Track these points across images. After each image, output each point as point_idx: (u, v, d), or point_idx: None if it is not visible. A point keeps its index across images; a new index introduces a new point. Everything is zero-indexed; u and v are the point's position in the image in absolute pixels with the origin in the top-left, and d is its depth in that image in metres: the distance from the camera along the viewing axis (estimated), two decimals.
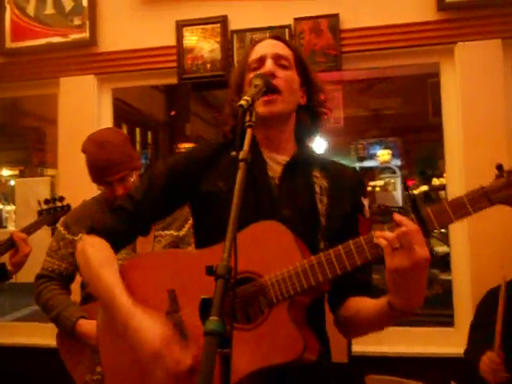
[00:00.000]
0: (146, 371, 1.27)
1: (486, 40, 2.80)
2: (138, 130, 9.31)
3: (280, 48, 1.49)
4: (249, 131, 1.22)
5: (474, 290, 2.61)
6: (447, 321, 3.49)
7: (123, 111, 7.72)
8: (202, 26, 3.16)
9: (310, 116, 1.54)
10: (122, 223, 1.50)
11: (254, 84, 1.34)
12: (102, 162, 2.12)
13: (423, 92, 8.01)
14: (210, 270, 1.01)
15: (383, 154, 10.76)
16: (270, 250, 1.13)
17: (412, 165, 12.06)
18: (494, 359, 2.09)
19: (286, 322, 1.24)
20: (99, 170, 2.14)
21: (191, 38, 3.19)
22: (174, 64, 3.16)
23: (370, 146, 11.46)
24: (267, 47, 1.49)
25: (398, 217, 1.16)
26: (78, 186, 2.83)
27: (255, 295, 1.27)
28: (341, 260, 1.23)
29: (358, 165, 13.00)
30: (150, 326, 1.28)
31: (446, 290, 5.12)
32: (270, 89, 1.38)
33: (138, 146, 9.01)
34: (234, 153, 1.18)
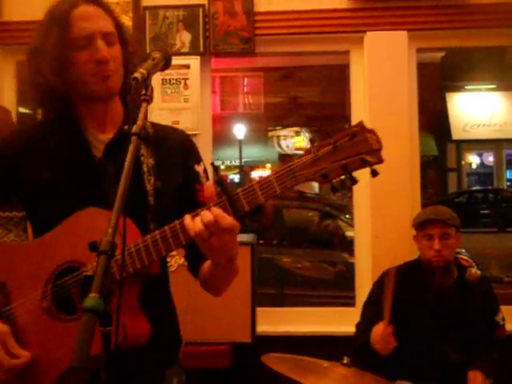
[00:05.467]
0: None
1: (393, 31, 2.90)
2: None
3: (104, 21, 1.37)
4: (144, 105, 1.19)
5: (374, 272, 2.71)
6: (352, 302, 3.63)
7: None
8: (114, 1, 3.06)
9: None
10: None
11: (152, 57, 1.30)
12: None
13: (342, 82, 8.24)
14: (92, 246, 0.98)
15: (298, 141, 10.99)
16: (91, 238, 1.10)
17: None
18: (384, 330, 2.19)
19: None
20: None
21: None
22: None
23: (287, 132, 11.66)
24: (92, 21, 1.34)
25: (212, 209, 1.16)
26: None
27: (78, 285, 1.24)
28: (157, 247, 1.22)
29: (277, 150, 13.22)
30: None
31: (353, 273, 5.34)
32: (168, 63, 1.35)
33: None
34: (126, 127, 1.15)
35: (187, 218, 1.17)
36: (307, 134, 11.28)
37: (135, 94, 1.19)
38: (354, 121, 3.04)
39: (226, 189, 1.18)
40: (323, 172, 1.14)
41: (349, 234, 6.63)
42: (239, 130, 13.66)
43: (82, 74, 1.34)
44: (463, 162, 16.15)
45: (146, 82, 1.21)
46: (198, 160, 1.49)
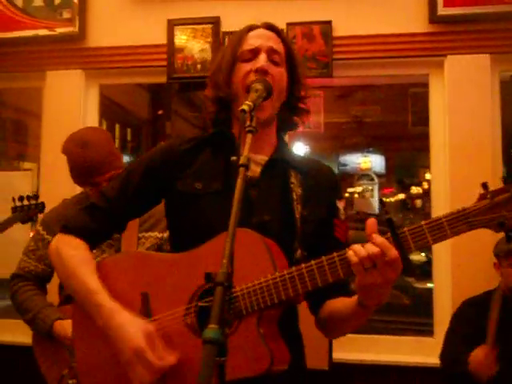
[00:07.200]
0: (125, 367, 1.26)
1: (475, 54, 2.84)
2: (117, 127, 9.19)
3: (274, 41, 1.45)
4: (249, 136, 1.21)
5: (455, 301, 2.63)
6: (419, 329, 3.54)
7: (104, 106, 7.60)
8: (193, 26, 3.14)
9: (291, 112, 1.52)
10: (95, 221, 1.46)
11: (254, 89, 1.33)
12: (86, 163, 2.05)
13: (403, 101, 8.09)
14: (208, 277, 1.00)
15: (365, 162, 10.82)
16: (242, 260, 1.10)
17: (390, 173, 12.16)
18: (488, 353, 2.13)
19: (254, 336, 1.22)
20: (83, 172, 2.08)
21: (182, 38, 3.17)
22: (164, 63, 3.13)
23: (350, 152, 11.51)
24: (262, 38, 1.45)
25: (375, 237, 1.14)
26: (60, 180, 2.78)
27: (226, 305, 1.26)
28: (313, 276, 1.21)
29: (340, 168, 13.11)
30: (133, 322, 1.28)
31: (419, 299, 5.22)
32: (269, 94, 1.37)
33: (117, 142, 8.91)
34: (234, 158, 1.16)
35: (352, 247, 1.16)
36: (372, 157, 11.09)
37: (243, 126, 1.22)
38: (433, 146, 2.98)
39: (393, 227, 1.16)
40: (501, 220, 1.12)
41: (414, 258, 6.45)
42: (298, 149, 13.63)
43: (242, 85, 1.41)
44: None
45: (251, 114, 1.24)
46: (340, 196, 1.52)
